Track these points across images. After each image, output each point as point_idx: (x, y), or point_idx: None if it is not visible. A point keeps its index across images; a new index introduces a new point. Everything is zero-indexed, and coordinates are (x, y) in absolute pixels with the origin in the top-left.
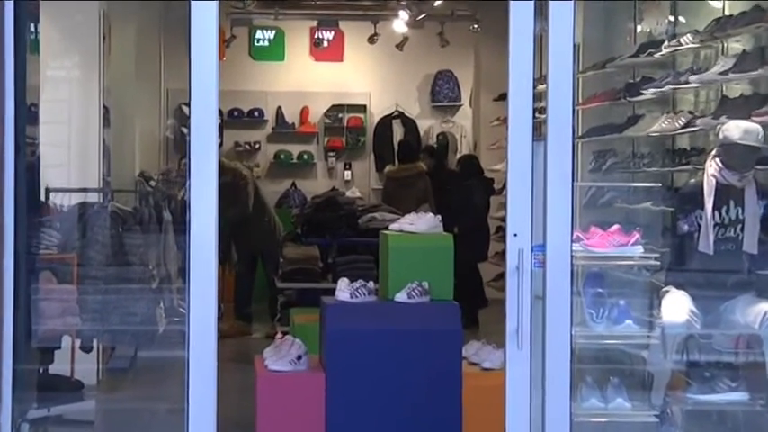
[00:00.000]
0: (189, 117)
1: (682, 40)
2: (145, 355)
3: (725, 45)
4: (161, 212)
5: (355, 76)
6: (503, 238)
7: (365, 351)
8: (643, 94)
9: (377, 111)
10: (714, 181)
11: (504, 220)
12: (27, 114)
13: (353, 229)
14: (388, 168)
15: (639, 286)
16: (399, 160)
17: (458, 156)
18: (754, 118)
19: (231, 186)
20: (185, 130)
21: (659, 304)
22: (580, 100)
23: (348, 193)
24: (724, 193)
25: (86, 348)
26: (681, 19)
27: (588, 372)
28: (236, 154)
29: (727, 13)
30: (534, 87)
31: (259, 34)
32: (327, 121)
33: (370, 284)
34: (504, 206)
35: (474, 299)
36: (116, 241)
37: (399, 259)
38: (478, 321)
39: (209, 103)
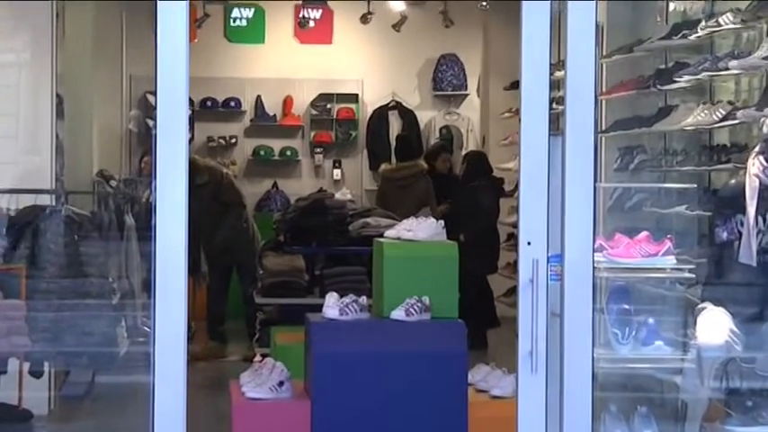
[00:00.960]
0: (155, 107)
1: (721, 20)
2: (104, 381)
3: None
4: (122, 217)
5: (346, 60)
6: (514, 247)
7: (356, 376)
8: (676, 81)
9: (371, 101)
10: (758, 182)
11: (515, 226)
12: None
13: (343, 237)
14: (383, 167)
15: (671, 302)
16: (397, 158)
17: (463, 152)
18: None
19: (212, 188)
20: (151, 123)
21: (694, 323)
22: (603, 89)
23: (338, 195)
24: None
25: (36, 373)
26: None
27: (612, 400)
28: (209, 150)
29: None
30: (551, 74)
31: (236, 13)
32: (314, 112)
33: (363, 300)
34: (516, 210)
35: (482, 317)
36: (71, 250)
37: (396, 271)
38: (487, 342)
39: (178, 91)
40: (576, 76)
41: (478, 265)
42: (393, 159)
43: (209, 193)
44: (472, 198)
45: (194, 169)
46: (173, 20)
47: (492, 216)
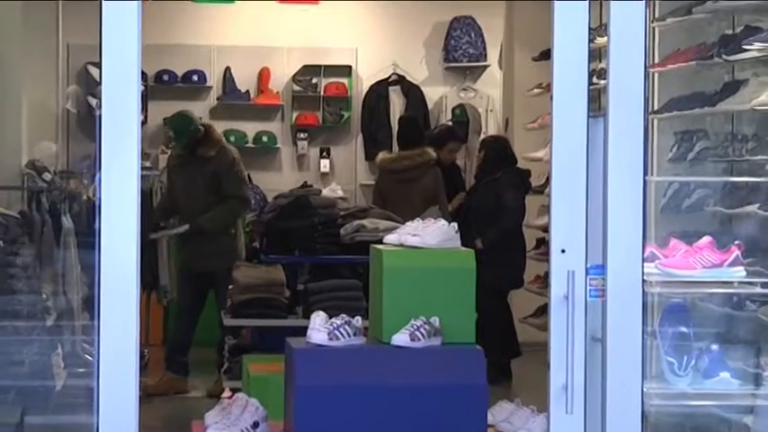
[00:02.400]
0: (99, 82)
1: None
2: (35, 422)
3: None
4: (59, 218)
5: (336, 24)
6: (545, 256)
7: (348, 415)
8: (746, 50)
9: (367, 74)
10: None
11: (546, 229)
12: None
13: (333, 243)
14: (381, 156)
15: (740, 324)
16: (399, 144)
17: (481, 137)
18: None
19: (213, 168)
20: (93, 102)
21: None
22: (656, 60)
23: (325, 192)
24: None
25: None
26: None
27: None
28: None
29: None
30: (591, 41)
31: None
32: (297, 88)
33: (357, 321)
34: (546, 210)
35: (505, 341)
36: None
37: (398, 285)
38: (511, 373)
39: (129, 62)
40: (622, 44)
41: (500, 278)
42: (394, 147)
43: (207, 172)
44: (492, 195)
45: (205, 136)
46: None
47: (516, 217)
